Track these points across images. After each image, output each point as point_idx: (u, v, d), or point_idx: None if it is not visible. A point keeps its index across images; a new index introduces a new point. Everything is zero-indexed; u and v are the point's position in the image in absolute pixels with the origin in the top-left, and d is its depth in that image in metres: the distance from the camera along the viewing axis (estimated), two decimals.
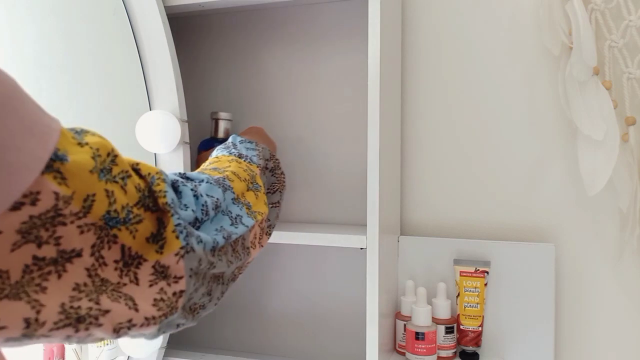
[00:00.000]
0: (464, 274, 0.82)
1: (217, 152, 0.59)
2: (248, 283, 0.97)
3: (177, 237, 0.36)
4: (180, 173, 0.43)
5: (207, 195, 0.42)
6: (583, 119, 0.77)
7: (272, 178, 0.60)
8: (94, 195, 0.30)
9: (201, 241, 0.39)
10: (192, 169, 0.81)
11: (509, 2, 0.86)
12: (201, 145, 0.88)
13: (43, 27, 0.84)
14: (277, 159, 0.63)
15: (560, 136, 0.84)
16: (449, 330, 0.80)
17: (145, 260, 0.34)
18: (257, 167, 0.56)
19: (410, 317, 0.80)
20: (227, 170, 0.49)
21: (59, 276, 0.29)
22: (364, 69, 0.79)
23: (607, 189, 0.77)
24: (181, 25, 0.98)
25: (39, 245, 0.28)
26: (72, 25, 0.83)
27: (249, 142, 0.60)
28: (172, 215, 0.36)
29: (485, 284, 0.81)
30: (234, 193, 0.46)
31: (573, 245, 0.83)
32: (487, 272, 0.81)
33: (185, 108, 0.82)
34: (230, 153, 0.56)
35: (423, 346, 0.77)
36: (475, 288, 0.81)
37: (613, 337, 0.81)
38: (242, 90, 0.98)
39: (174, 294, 0.36)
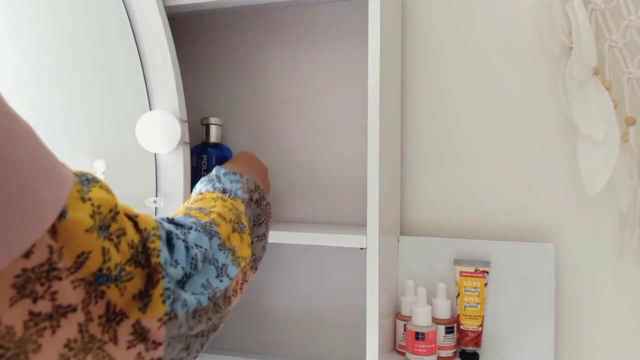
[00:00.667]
0: (464, 274, 0.82)
1: (202, 185, 0.58)
2: (248, 283, 0.97)
3: (164, 302, 0.35)
4: (169, 218, 0.43)
5: (196, 246, 0.42)
6: (583, 119, 0.77)
7: (258, 210, 0.59)
8: (89, 252, 0.30)
9: (185, 305, 0.38)
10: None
11: (509, 2, 0.86)
12: (193, 151, 0.88)
13: (43, 27, 0.84)
14: (262, 190, 0.62)
15: (560, 136, 0.84)
16: (449, 330, 0.80)
17: (127, 317, 0.33)
18: (242, 201, 0.55)
19: (410, 317, 0.80)
20: (212, 212, 0.49)
21: (53, 332, 0.28)
22: (364, 69, 0.79)
23: (607, 189, 0.77)
24: (181, 25, 0.98)
25: (35, 301, 0.27)
26: (72, 25, 0.83)
27: (232, 174, 0.58)
28: (163, 277, 0.36)
29: (485, 284, 0.81)
30: (220, 239, 0.46)
31: (573, 245, 0.83)
32: (487, 272, 0.81)
33: (185, 108, 0.82)
34: (215, 188, 0.56)
35: (423, 346, 0.77)
36: (475, 288, 0.81)
37: (613, 337, 0.81)
38: (242, 90, 0.98)
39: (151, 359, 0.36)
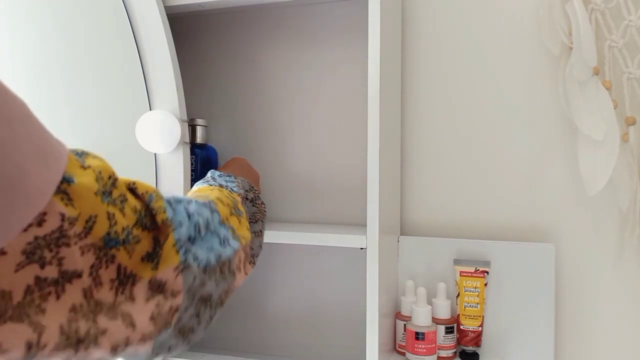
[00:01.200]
0: (464, 274, 0.82)
1: (197, 185, 0.60)
2: (248, 283, 0.97)
3: (177, 252, 0.36)
4: (170, 195, 0.44)
5: (197, 214, 0.42)
6: (583, 119, 0.77)
7: (253, 208, 0.60)
8: (95, 216, 0.31)
9: (197, 258, 0.39)
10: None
11: (509, 2, 0.86)
12: None
13: (43, 27, 0.84)
14: (256, 190, 0.64)
15: (560, 136, 0.84)
16: (449, 330, 0.80)
17: (140, 277, 0.34)
18: (238, 195, 0.57)
19: (410, 317, 0.80)
20: (210, 197, 0.50)
21: (58, 297, 0.29)
22: (364, 69, 0.79)
23: (607, 189, 0.77)
24: (181, 25, 0.98)
25: (42, 266, 0.27)
26: (72, 25, 0.83)
27: (227, 176, 0.61)
28: (173, 229, 0.37)
29: (485, 284, 0.81)
30: (220, 216, 0.47)
31: (573, 245, 0.83)
32: (487, 272, 0.81)
33: (185, 108, 0.82)
34: (211, 185, 0.58)
35: (423, 346, 0.77)
36: (475, 288, 0.81)
37: (613, 336, 0.81)
38: (242, 90, 0.98)
39: (170, 308, 0.36)
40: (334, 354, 0.92)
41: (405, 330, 0.80)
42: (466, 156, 0.89)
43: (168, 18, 0.82)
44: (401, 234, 0.90)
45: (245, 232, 0.51)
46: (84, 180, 0.31)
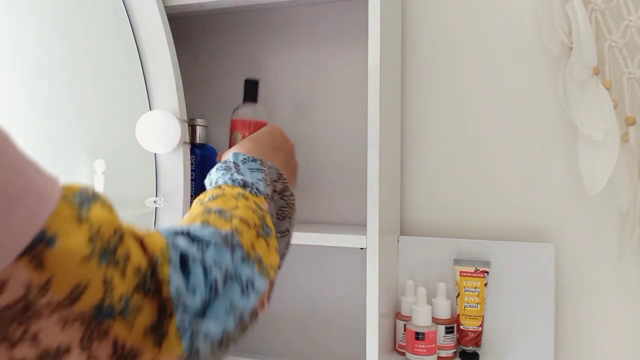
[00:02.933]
0: (464, 274, 0.82)
1: (218, 174, 0.50)
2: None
3: (180, 339, 0.30)
4: (183, 231, 0.37)
5: (215, 265, 0.36)
6: (583, 119, 0.77)
7: (281, 201, 0.52)
8: (86, 284, 0.26)
9: (208, 337, 0.33)
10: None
11: (509, 2, 0.86)
12: None
13: (43, 28, 0.84)
14: (285, 180, 0.54)
15: (560, 136, 0.84)
16: (449, 330, 0.80)
17: (140, 355, 0.29)
18: (265, 198, 0.47)
19: (410, 317, 0.80)
20: (234, 217, 0.41)
21: None
22: (364, 69, 0.79)
23: (607, 189, 0.77)
24: (181, 25, 0.98)
25: (13, 345, 0.23)
26: (72, 25, 0.83)
27: (252, 161, 0.51)
28: (176, 312, 0.31)
29: (485, 284, 0.81)
30: (243, 250, 0.39)
31: (573, 245, 0.83)
32: (487, 272, 0.81)
33: (185, 108, 0.82)
34: (234, 181, 0.48)
35: (423, 346, 0.76)
36: (475, 288, 0.81)
37: (613, 336, 0.81)
38: (241, 90, 0.98)
39: None
40: (333, 354, 0.92)
41: (405, 330, 0.80)
42: (466, 156, 0.88)
43: (168, 18, 0.82)
44: (401, 234, 0.90)
45: (274, 257, 0.44)
46: (71, 242, 0.25)
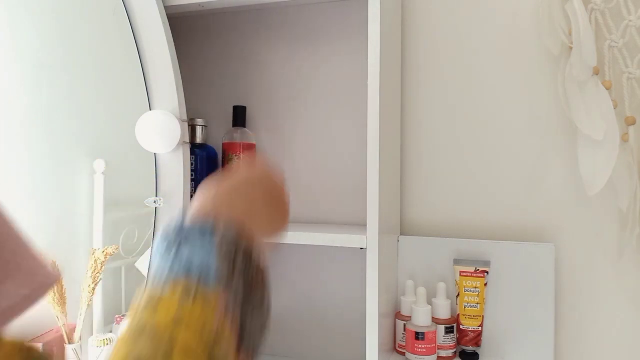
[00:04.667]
0: (464, 274, 0.82)
1: (157, 259, 0.35)
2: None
3: None
4: None
5: None
6: (583, 119, 0.77)
7: (246, 280, 0.36)
8: None
9: None
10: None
11: (509, 3, 0.86)
12: None
13: (43, 27, 0.84)
14: (246, 244, 0.37)
15: (560, 136, 0.84)
16: (449, 330, 0.80)
17: None
18: (217, 293, 0.33)
19: (410, 317, 0.80)
20: (173, 350, 0.28)
21: None
22: (364, 70, 0.79)
23: (607, 189, 0.77)
24: (181, 25, 0.98)
25: None
26: (72, 25, 0.83)
27: (201, 227, 0.35)
28: None
29: (485, 284, 0.81)
30: None
31: (573, 245, 0.83)
32: (487, 272, 0.81)
33: (185, 108, 0.82)
34: (176, 273, 0.33)
35: (423, 346, 0.77)
36: (475, 288, 0.81)
37: (613, 336, 0.81)
38: (242, 90, 0.98)
39: None
40: (334, 354, 0.92)
41: (405, 330, 0.80)
42: (466, 156, 0.88)
43: (168, 18, 0.82)
44: (401, 234, 0.90)
45: None
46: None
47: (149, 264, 0.34)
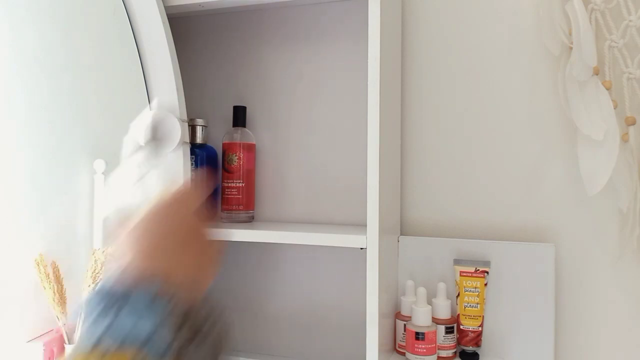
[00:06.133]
0: (464, 274, 0.82)
1: (86, 330, 0.31)
2: (248, 283, 0.97)
3: None
4: None
5: None
6: (583, 119, 0.77)
7: (164, 322, 0.31)
8: None
9: None
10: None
11: (509, 2, 0.86)
12: None
13: (43, 27, 0.84)
14: (189, 304, 0.33)
15: (560, 136, 0.84)
16: (449, 330, 0.80)
17: None
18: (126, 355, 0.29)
19: (410, 317, 0.80)
20: None
21: None
22: (364, 69, 0.79)
23: (607, 189, 0.77)
24: (181, 25, 0.98)
25: None
26: (72, 25, 0.83)
27: (144, 300, 0.31)
28: None
29: (485, 284, 0.81)
30: None
31: (573, 245, 0.83)
32: (487, 272, 0.81)
33: (185, 108, 0.82)
34: (117, 343, 0.29)
35: (423, 346, 0.77)
36: (475, 288, 0.81)
37: (613, 337, 0.81)
38: (242, 90, 0.98)
39: None
40: (333, 354, 0.92)
41: (405, 330, 0.80)
42: (466, 156, 0.88)
43: (168, 18, 0.82)
44: (401, 234, 0.90)
45: None
46: None
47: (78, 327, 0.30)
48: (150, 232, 0.37)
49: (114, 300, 0.30)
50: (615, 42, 0.78)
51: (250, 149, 0.91)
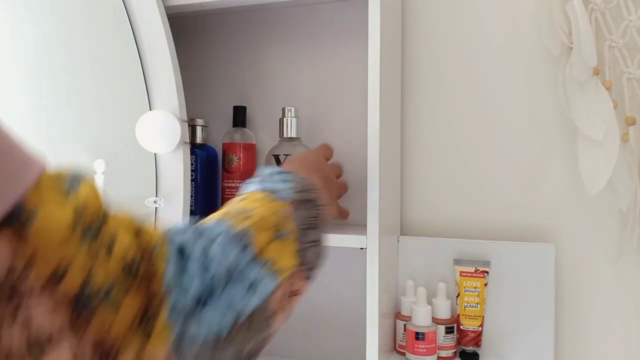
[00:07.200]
0: (464, 274, 0.82)
1: (249, 186, 0.51)
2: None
3: (170, 328, 0.29)
4: (195, 227, 0.37)
5: (217, 263, 0.34)
6: (583, 119, 0.77)
7: (312, 211, 0.50)
8: (67, 264, 0.24)
9: (201, 330, 0.31)
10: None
11: (509, 3, 0.86)
12: None
13: (43, 27, 0.84)
14: (317, 191, 0.53)
15: (560, 136, 0.84)
16: (449, 330, 0.80)
17: (125, 347, 0.27)
18: (290, 203, 0.47)
19: (410, 317, 0.80)
20: (252, 216, 0.41)
21: None
22: (364, 68, 0.79)
23: (607, 189, 0.77)
24: (181, 25, 0.98)
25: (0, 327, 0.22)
26: (72, 25, 0.83)
27: (285, 173, 0.51)
28: (166, 303, 0.29)
29: (485, 284, 0.81)
30: (253, 251, 0.38)
31: (573, 245, 0.83)
32: (487, 272, 0.81)
33: (185, 108, 0.82)
34: (264, 188, 0.48)
35: (423, 346, 0.76)
36: (475, 288, 0.81)
37: (613, 337, 0.81)
38: (242, 90, 0.98)
39: None
40: (333, 354, 0.92)
41: (405, 330, 0.80)
42: (466, 156, 0.88)
43: (168, 18, 0.82)
44: (401, 234, 0.90)
45: (288, 260, 0.42)
46: (55, 214, 0.24)
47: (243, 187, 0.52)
48: (304, 164, 0.64)
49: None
50: (615, 42, 0.78)
51: (250, 149, 0.91)
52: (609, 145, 0.75)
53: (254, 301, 0.36)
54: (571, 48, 0.78)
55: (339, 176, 0.76)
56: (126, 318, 0.27)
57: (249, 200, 0.45)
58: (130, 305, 0.27)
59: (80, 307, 0.25)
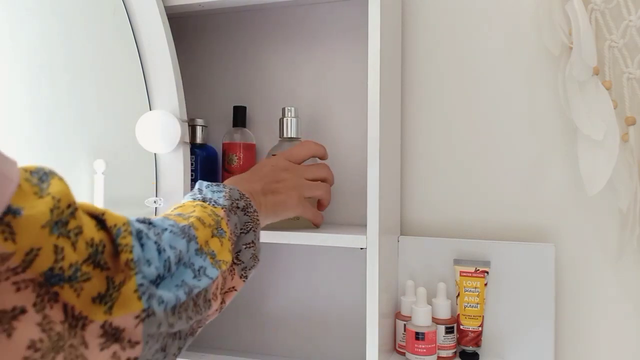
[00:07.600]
0: (464, 274, 0.82)
1: (183, 199, 0.56)
2: (248, 283, 0.96)
3: (139, 299, 0.34)
4: (144, 218, 0.41)
5: (170, 247, 0.40)
6: (583, 119, 0.77)
7: (245, 217, 0.54)
8: (39, 249, 0.28)
9: (162, 301, 0.36)
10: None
11: (508, 3, 0.86)
12: None
13: (43, 27, 0.84)
14: (247, 198, 0.56)
15: (560, 136, 0.84)
16: (449, 330, 0.80)
17: (91, 320, 0.31)
18: (223, 209, 0.51)
19: (410, 317, 0.80)
20: (191, 216, 0.46)
21: (9, 335, 0.26)
22: (364, 69, 0.79)
23: (607, 189, 0.77)
24: (181, 25, 0.98)
25: None
26: (72, 25, 0.83)
27: (215, 186, 0.55)
28: (136, 273, 0.34)
29: (485, 284, 0.81)
30: (197, 243, 0.44)
31: (573, 245, 0.83)
32: (487, 272, 0.81)
33: (185, 108, 0.82)
34: (195, 198, 0.53)
35: (423, 346, 0.77)
36: (475, 288, 0.81)
37: (613, 337, 0.81)
38: (242, 90, 0.98)
39: (128, 359, 0.34)
40: (333, 354, 0.92)
41: (405, 330, 0.80)
42: (466, 156, 0.88)
43: (168, 18, 0.82)
44: (401, 234, 0.90)
45: (226, 255, 0.48)
46: (35, 211, 0.28)
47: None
48: (246, 174, 0.67)
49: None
50: (615, 42, 0.78)
51: (250, 149, 0.91)
52: (609, 145, 0.75)
53: (201, 283, 0.42)
54: (571, 48, 0.78)
55: (321, 178, 0.75)
56: (88, 295, 0.31)
57: (185, 207, 0.50)
58: (92, 285, 0.31)
59: (48, 285, 0.29)
